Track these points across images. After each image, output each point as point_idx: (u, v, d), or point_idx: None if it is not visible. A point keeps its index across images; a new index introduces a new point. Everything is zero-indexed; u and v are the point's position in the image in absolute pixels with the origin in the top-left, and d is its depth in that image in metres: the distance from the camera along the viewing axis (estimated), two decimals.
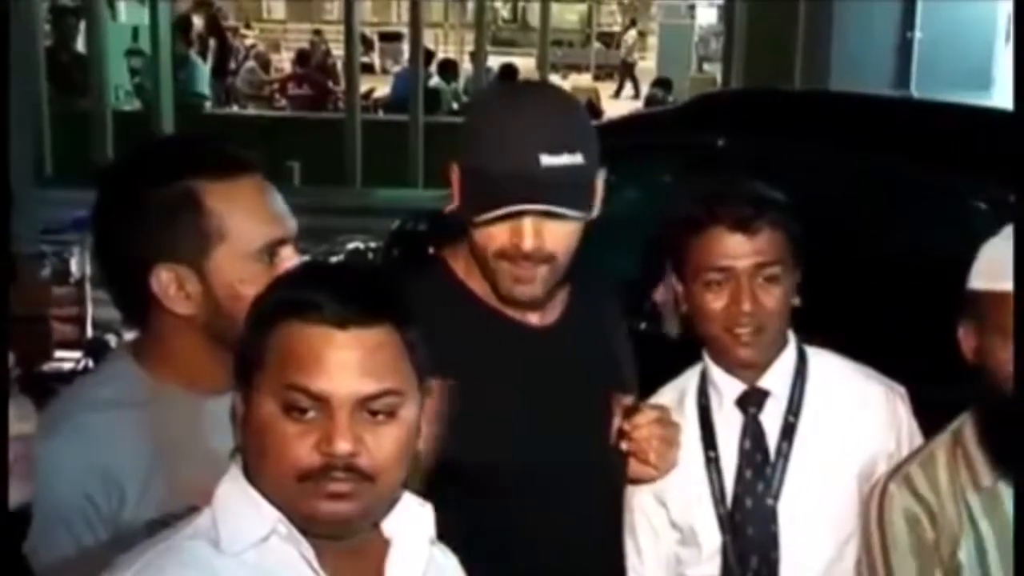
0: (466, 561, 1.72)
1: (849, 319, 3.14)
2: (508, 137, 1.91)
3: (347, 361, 1.46)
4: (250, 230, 1.77)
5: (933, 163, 3.74)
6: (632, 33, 26.33)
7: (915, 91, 8.64)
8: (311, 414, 1.45)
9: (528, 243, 1.93)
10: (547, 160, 1.89)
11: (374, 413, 1.48)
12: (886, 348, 2.38)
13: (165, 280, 1.76)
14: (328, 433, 1.44)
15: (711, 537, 2.22)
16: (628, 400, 2.18)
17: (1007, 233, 2.03)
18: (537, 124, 1.92)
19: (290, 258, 1.80)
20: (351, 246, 6.17)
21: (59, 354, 5.97)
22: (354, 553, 1.53)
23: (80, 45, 13.86)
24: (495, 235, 1.95)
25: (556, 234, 1.95)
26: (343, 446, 1.44)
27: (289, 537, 1.47)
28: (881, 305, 3.70)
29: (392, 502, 1.55)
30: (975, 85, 7.74)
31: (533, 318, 2.09)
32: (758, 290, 2.14)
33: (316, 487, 1.45)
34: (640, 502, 2.27)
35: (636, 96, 21.82)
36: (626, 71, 24.98)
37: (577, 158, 1.92)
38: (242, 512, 1.49)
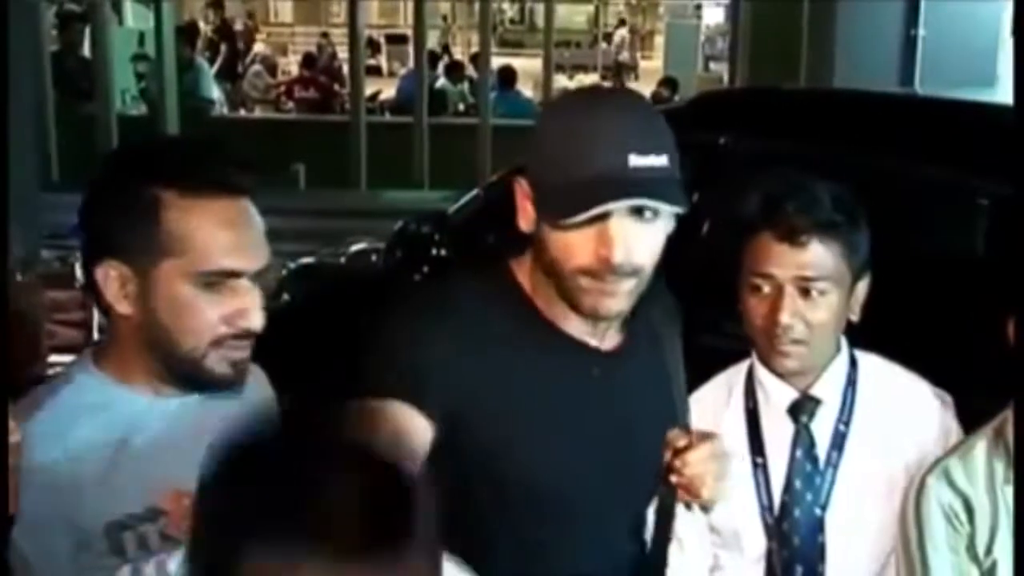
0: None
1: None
2: (591, 140, 1.84)
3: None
4: (202, 254, 1.73)
5: (937, 161, 3.73)
6: (622, 32, 26.30)
7: (919, 89, 8.63)
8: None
9: (617, 254, 1.84)
10: (636, 160, 1.82)
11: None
12: (890, 347, 2.36)
13: (109, 275, 1.74)
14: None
15: (756, 543, 2.21)
16: (681, 439, 2.05)
17: None
18: (622, 125, 1.86)
19: (244, 291, 1.75)
20: (356, 248, 6.17)
21: (64, 359, 5.96)
22: None
23: (86, 50, 13.89)
24: (578, 246, 1.86)
25: (644, 240, 1.87)
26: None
27: None
28: (885, 304, 3.68)
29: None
30: (979, 83, 7.72)
31: (596, 341, 2.02)
32: (801, 303, 2.11)
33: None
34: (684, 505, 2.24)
35: None
36: (618, 70, 24.93)
37: (663, 159, 1.85)
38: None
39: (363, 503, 1.09)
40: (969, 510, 2.07)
